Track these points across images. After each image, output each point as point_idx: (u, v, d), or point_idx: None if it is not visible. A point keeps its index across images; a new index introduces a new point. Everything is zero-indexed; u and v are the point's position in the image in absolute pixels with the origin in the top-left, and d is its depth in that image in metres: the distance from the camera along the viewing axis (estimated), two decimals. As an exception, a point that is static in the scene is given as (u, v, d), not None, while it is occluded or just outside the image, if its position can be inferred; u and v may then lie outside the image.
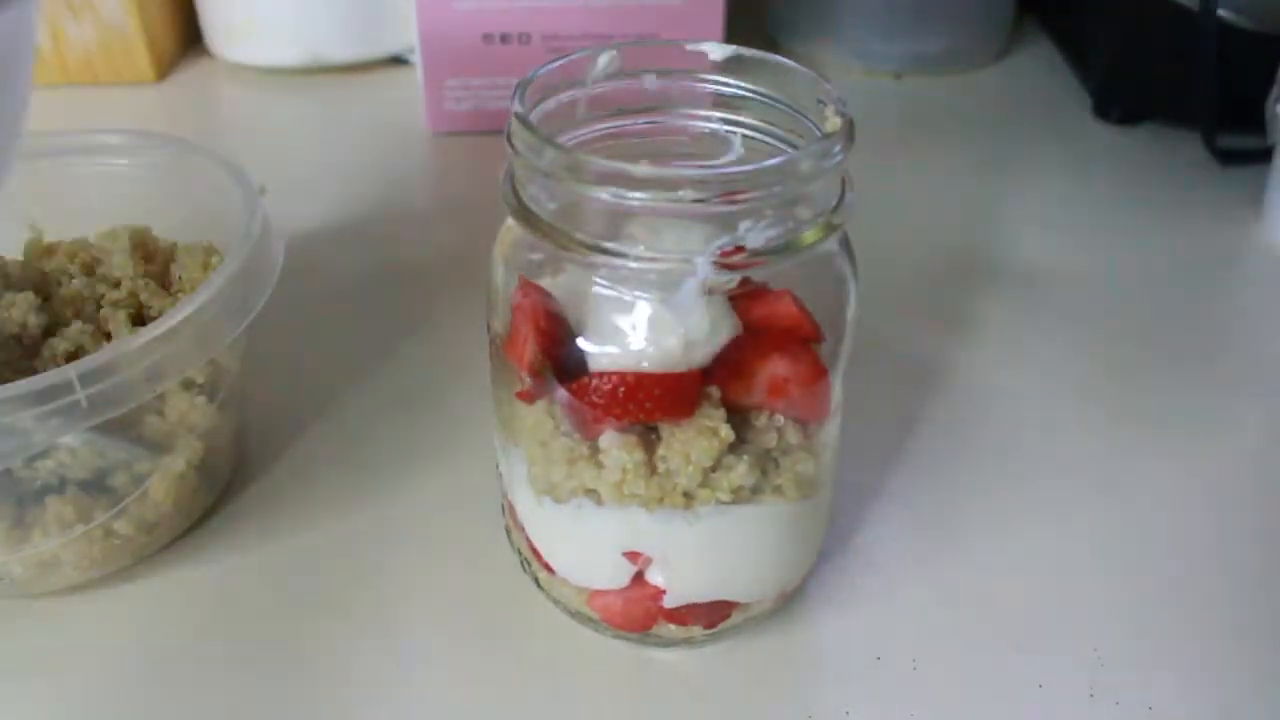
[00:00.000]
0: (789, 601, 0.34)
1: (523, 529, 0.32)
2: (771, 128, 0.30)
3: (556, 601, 0.33)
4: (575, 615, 0.33)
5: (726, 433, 0.27)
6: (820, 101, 0.28)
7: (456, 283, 0.50)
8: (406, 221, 0.55)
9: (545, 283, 0.28)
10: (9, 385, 0.28)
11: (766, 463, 0.29)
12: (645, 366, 0.27)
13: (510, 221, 0.29)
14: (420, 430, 0.41)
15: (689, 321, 0.27)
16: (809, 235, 0.27)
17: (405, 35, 0.69)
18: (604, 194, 0.25)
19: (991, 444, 0.41)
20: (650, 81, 0.30)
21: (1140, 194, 0.58)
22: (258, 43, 0.69)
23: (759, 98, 0.30)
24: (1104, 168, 0.61)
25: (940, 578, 0.35)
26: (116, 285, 0.38)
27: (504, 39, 0.60)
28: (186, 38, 0.73)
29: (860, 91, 0.69)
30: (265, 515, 0.37)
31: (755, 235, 0.26)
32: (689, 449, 0.27)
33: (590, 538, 0.30)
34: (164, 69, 0.70)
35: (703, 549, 0.30)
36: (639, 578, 0.30)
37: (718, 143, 0.30)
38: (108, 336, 0.37)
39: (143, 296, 0.37)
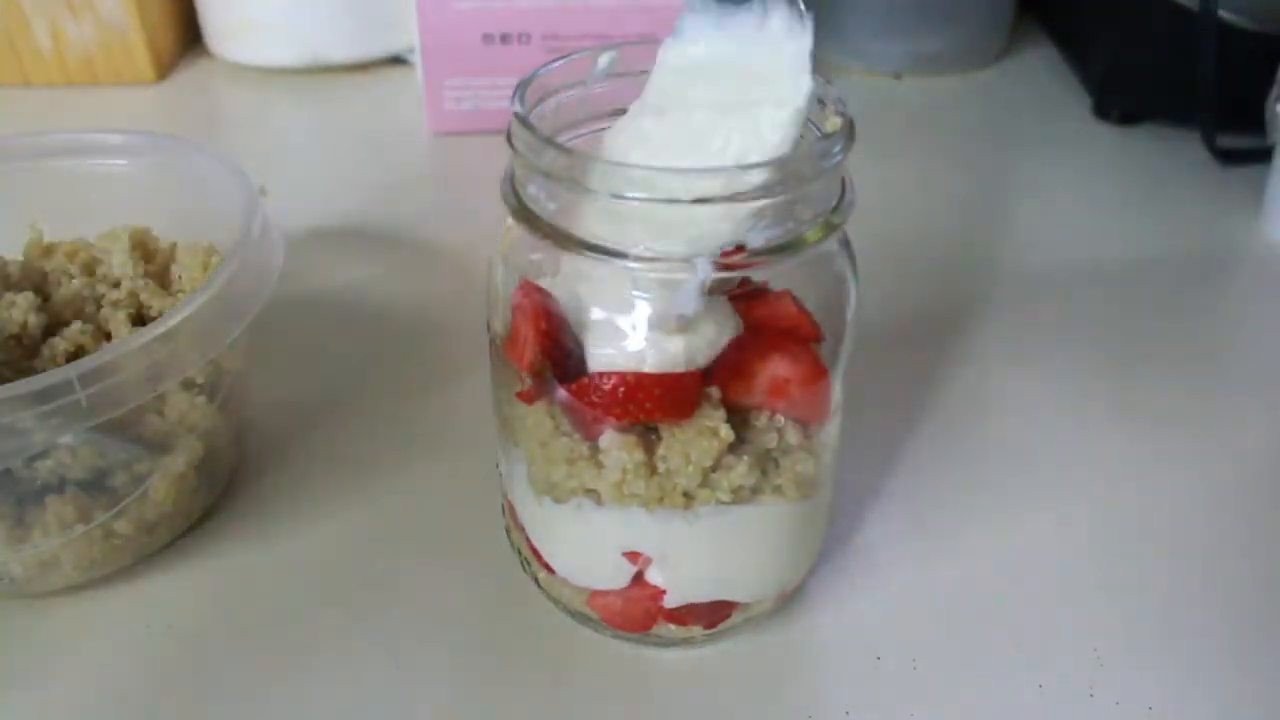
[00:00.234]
0: (789, 601, 0.34)
1: (523, 529, 0.32)
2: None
3: (556, 601, 0.33)
4: (575, 615, 0.33)
5: (726, 433, 0.27)
6: (820, 101, 0.28)
7: (456, 282, 0.50)
8: (406, 221, 0.55)
9: (545, 282, 0.28)
10: (9, 385, 0.28)
11: (766, 463, 0.29)
12: (645, 366, 0.27)
13: (510, 221, 0.29)
14: (420, 430, 0.41)
15: (691, 322, 0.27)
16: (809, 235, 0.27)
17: (405, 35, 0.69)
18: (604, 194, 0.25)
19: (991, 444, 0.41)
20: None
21: (1140, 194, 0.59)
22: (258, 43, 0.69)
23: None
24: (1104, 168, 0.61)
25: (940, 578, 0.35)
26: (116, 285, 0.38)
27: (504, 39, 0.60)
28: (186, 38, 0.73)
29: (860, 91, 0.69)
30: (265, 515, 0.37)
31: (755, 235, 0.26)
32: (689, 449, 0.27)
33: (590, 538, 0.30)
34: (164, 69, 0.70)
35: (702, 549, 0.30)
36: (639, 578, 0.30)
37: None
38: (108, 336, 0.37)
39: (143, 296, 0.37)
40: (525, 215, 0.27)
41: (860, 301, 0.30)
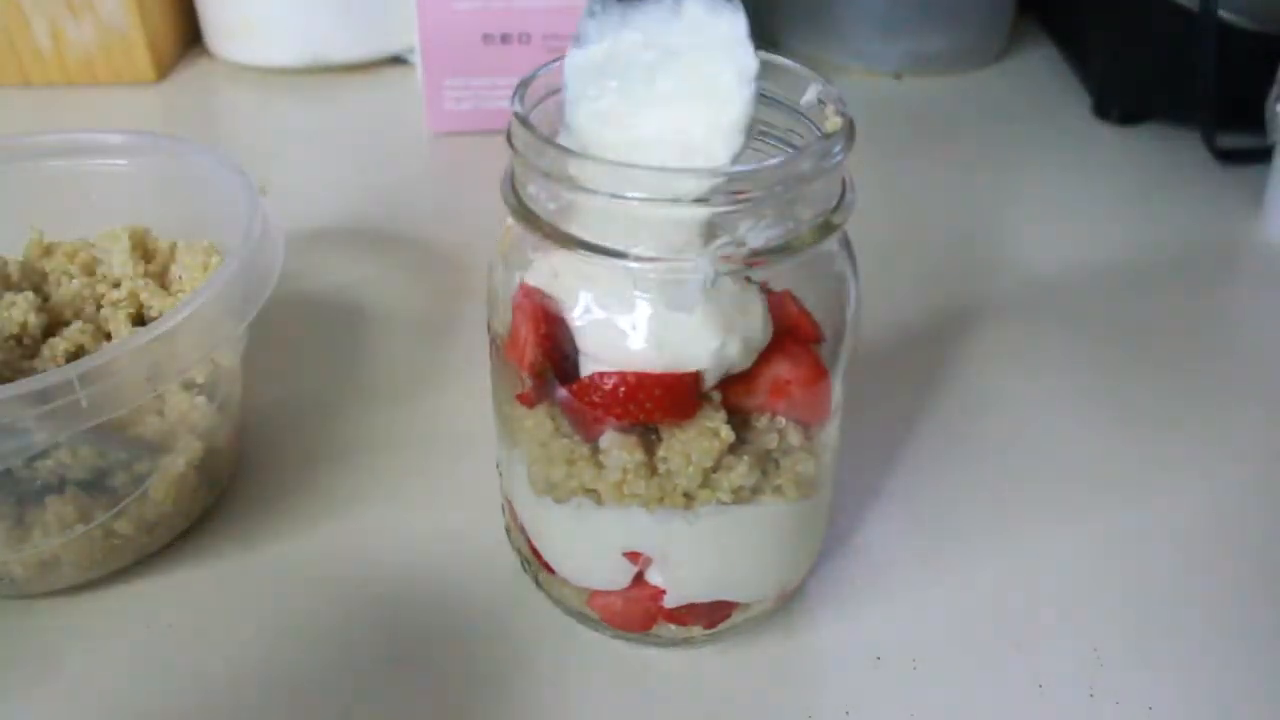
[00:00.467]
0: (789, 601, 0.34)
1: (523, 529, 0.32)
2: (771, 128, 0.30)
3: (557, 601, 0.33)
4: (575, 615, 0.33)
5: (727, 434, 0.27)
6: (820, 101, 0.28)
7: (456, 283, 0.50)
8: (406, 221, 0.55)
9: (546, 283, 0.28)
10: (9, 385, 0.28)
11: (767, 463, 0.29)
12: (645, 367, 0.27)
13: (510, 221, 0.29)
14: (420, 430, 0.41)
15: (741, 323, 0.26)
16: (809, 235, 0.27)
17: (405, 35, 0.69)
18: (604, 194, 0.25)
19: (991, 444, 0.41)
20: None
21: (1140, 194, 0.59)
22: (258, 43, 0.69)
23: (759, 97, 0.30)
24: (1104, 168, 0.61)
25: (940, 577, 0.35)
26: (116, 285, 0.38)
27: (504, 39, 0.60)
28: (186, 38, 0.73)
29: (860, 91, 0.69)
30: (265, 515, 0.37)
31: (756, 235, 0.26)
32: (689, 450, 0.27)
33: (590, 538, 0.30)
34: (164, 69, 0.70)
35: (703, 549, 0.30)
36: (639, 578, 0.30)
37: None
38: (108, 336, 0.37)
39: (143, 296, 0.37)
40: (525, 215, 0.27)
41: (860, 301, 0.30)
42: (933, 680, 0.32)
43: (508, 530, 0.34)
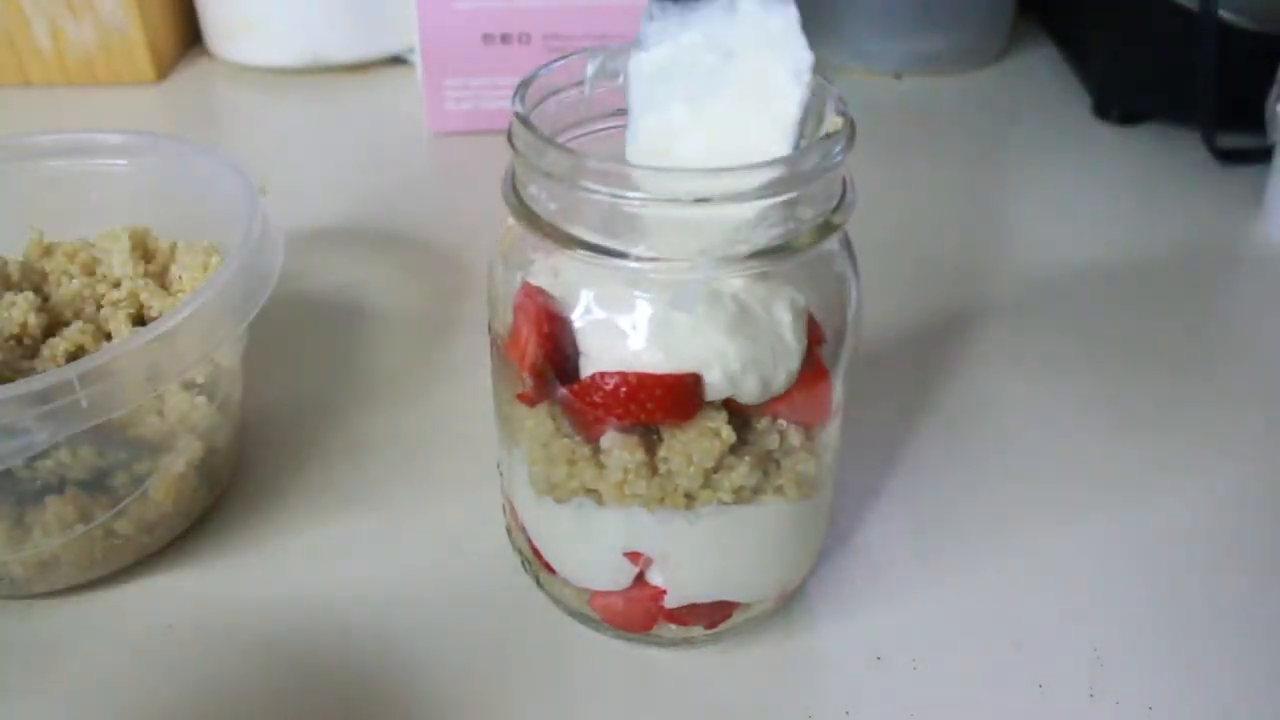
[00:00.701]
0: (789, 601, 0.34)
1: (523, 529, 0.32)
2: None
3: (557, 602, 0.33)
4: (576, 615, 0.33)
5: (728, 434, 0.27)
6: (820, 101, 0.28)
7: (456, 282, 0.50)
8: (406, 221, 0.55)
9: (546, 283, 0.28)
10: (9, 385, 0.28)
11: (768, 463, 0.29)
12: (647, 367, 0.27)
13: (511, 221, 0.29)
14: (420, 430, 0.41)
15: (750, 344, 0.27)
16: (810, 235, 0.27)
17: (405, 35, 0.69)
18: (605, 194, 0.25)
19: (991, 444, 0.41)
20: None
21: (1140, 194, 0.59)
22: (258, 43, 0.69)
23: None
24: (1104, 168, 0.61)
25: (940, 577, 0.35)
26: (116, 285, 0.38)
27: (504, 39, 0.60)
28: (186, 38, 0.73)
29: (860, 91, 0.69)
30: (265, 515, 0.37)
31: (757, 235, 0.26)
32: (691, 450, 0.27)
33: (591, 538, 0.30)
34: (164, 69, 0.70)
35: (703, 549, 0.30)
36: (640, 578, 0.30)
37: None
38: (108, 336, 0.37)
39: (143, 296, 0.37)
40: (526, 215, 0.27)
41: (861, 301, 0.30)
42: (933, 680, 0.32)
43: (508, 530, 0.34)
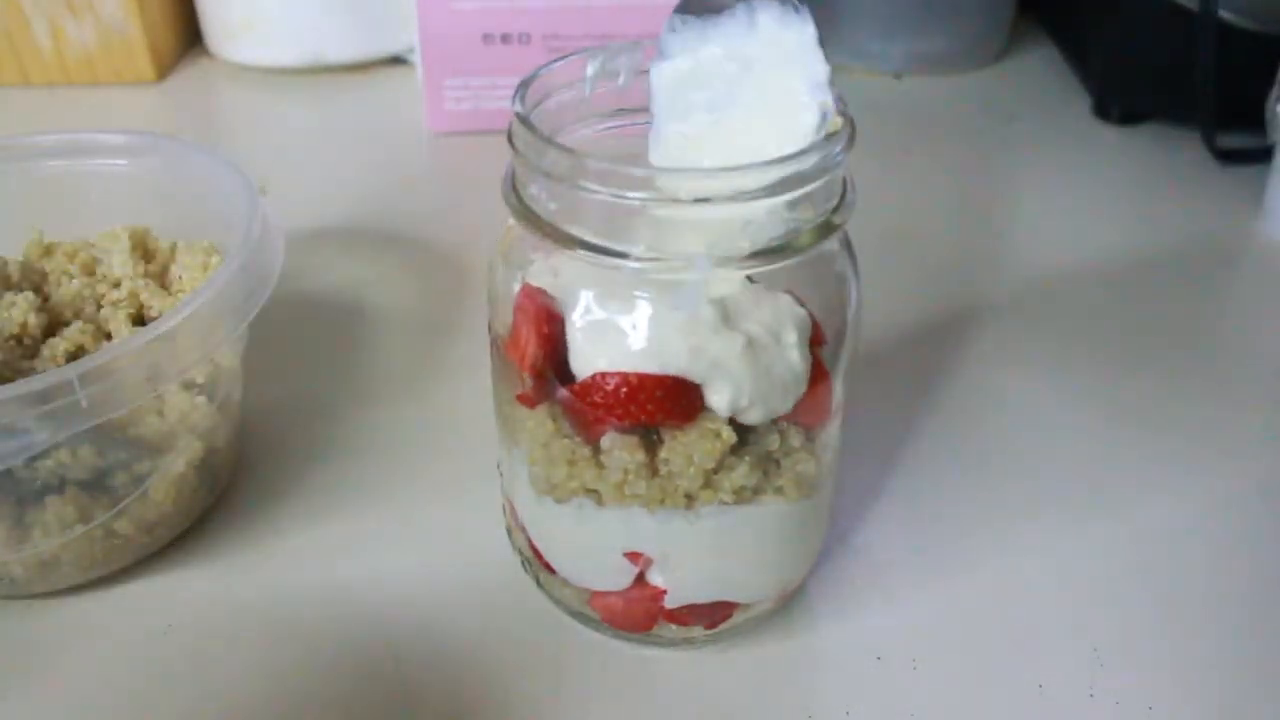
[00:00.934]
0: (789, 601, 0.34)
1: (523, 529, 0.32)
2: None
3: (557, 602, 0.33)
4: (576, 616, 0.33)
5: (728, 435, 0.27)
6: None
7: (456, 282, 0.50)
8: (407, 221, 0.55)
9: (546, 283, 0.28)
10: (9, 385, 0.28)
11: (768, 464, 0.29)
12: (647, 368, 0.27)
13: (511, 221, 0.29)
14: (420, 430, 0.41)
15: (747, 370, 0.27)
16: (810, 235, 0.27)
17: (405, 35, 0.69)
18: (605, 194, 0.25)
19: (991, 444, 0.41)
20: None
21: (1140, 194, 0.59)
22: (258, 43, 0.69)
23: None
24: (1104, 168, 0.61)
25: (940, 577, 0.35)
26: (116, 285, 0.38)
27: (504, 39, 0.60)
28: (186, 38, 0.73)
29: (860, 91, 0.69)
30: (265, 515, 0.37)
31: (757, 235, 0.26)
32: (691, 451, 0.27)
33: (591, 538, 0.30)
34: (164, 69, 0.70)
35: (703, 549, 0.30)
36: (640, 578, 0.30)
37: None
38: (108, 336, 0.37)
39: (143, 296, 0.37)
40: (526, 215, 0.27)
41: (861, 301, 0.30)
42: (933, 680, 0.32)
43: (508, 530, 0.34)
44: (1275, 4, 0.57)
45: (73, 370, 0.29)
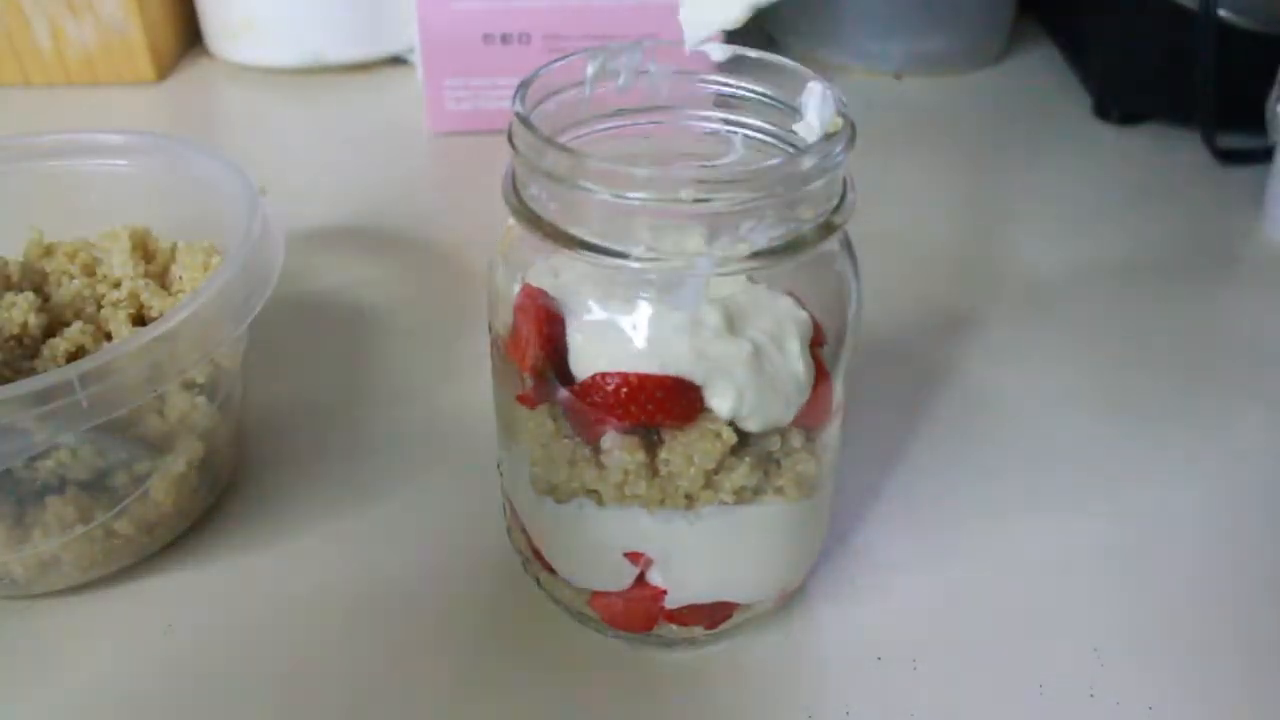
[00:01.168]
0: (790, 601, 0.34)
1: (524, 529, 0.32)
2: (772, 128, 0.30)
3: (558, 602, 0.33)
4: (576, 616, 0.33)
5: (729, 435, 0.27)
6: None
7: (456, 283, 0.50)
8: (407, 221, 0.55)
9: (547, 284, 0.28)
10: (9, 385, 0.28)
11: (768, 464, 0.29)
12: (647, 368, 0.27)
13: (511, 221, 0.29)
14: (420, 430, 0.41)
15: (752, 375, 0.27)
16: (810, 235, 0.27)
17: (405, 35, 0.69)
18: (605, 194, 0.25)
19: (992, 444, 0.41)
20: (651, 82, 0.30)
21: (1140, 194, 0.59)
22: (258, 43, 0.69)
23: (760, 98, 0.30)
24: (1104, 168, 0.61)
25: (940, 577, 0.35)
26: (116, 285, 0.38)
27: (504, 39, 0.60)
28: (186, 38, 0.73)
29: (860, 91, 0.69)
30: (265, 515, 0.37)
31: (757, 235, 0.26)
32: (692, 451, 0.27)
33: (591, 538, 0.30)
34: (164, 69, 0.70)
35: (704, 549, 0.30)
36: (640, 579, 0.30)
37: (719, 143, 0.30)
38: (108, 336, 0.37)
39: (143, 296, 0.37)
40: (526, 215, 0.27)
41: (861, 301, 0.30)
42: (933, 680, 0.32)
43: (508, 530, 0.34)
44: (1275, 4, 0.57)
45: (73, 370, 0.29)
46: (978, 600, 0.34)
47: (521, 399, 0.29)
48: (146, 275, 0.38)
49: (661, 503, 0.28)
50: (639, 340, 0.27)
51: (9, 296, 0.36)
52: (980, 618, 0.34)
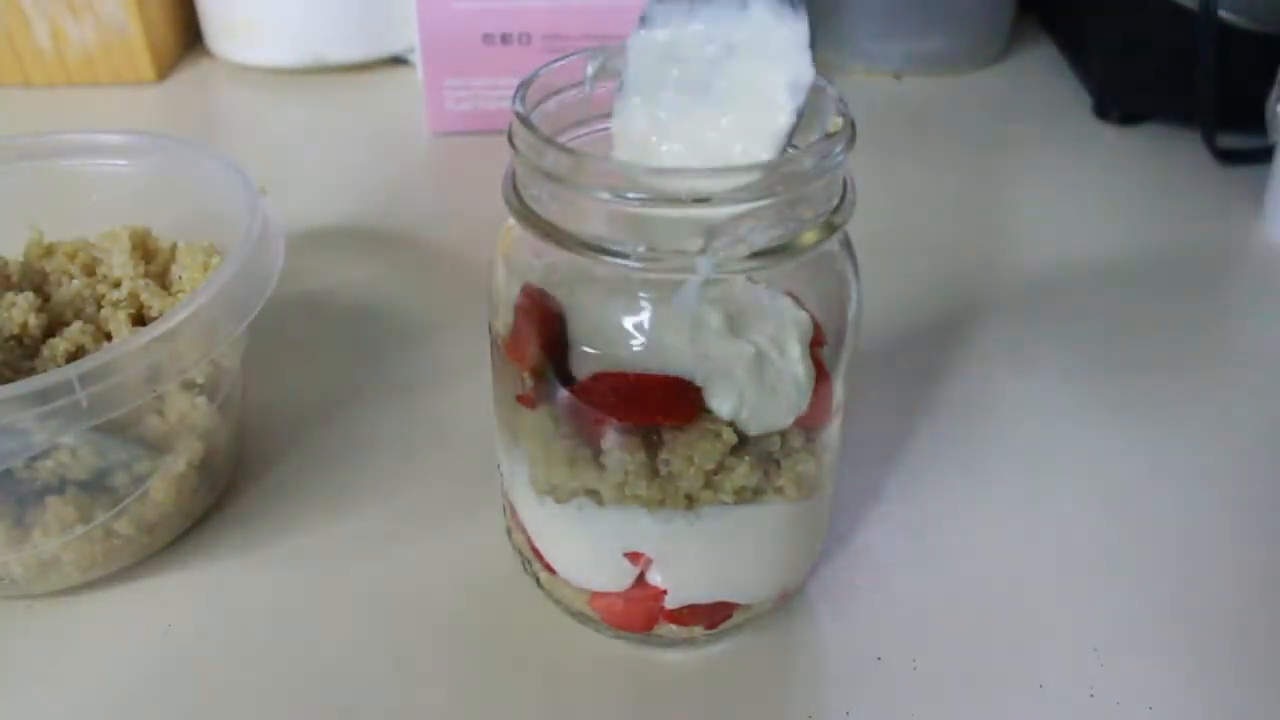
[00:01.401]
0: (790, 601, 0.34)
1: (524, 529, 0.32)
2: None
3: (558, 602, 0.33)
4: (576, 616, 0.33)
5: (729, 435, 0.27)
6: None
7: (456, 282, 0.50)
8: (407, 221, 0.55)
9: (547, 284, 0.28)
10: (9, 385, 0.28)
11: (768, 464, 0.29)
12: (647, 368, 0.27)
13: (512, 221, 0.29)
14: (420, 430, 0.41)
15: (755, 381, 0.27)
16: (810, 235, 0.27)
17: (405, 35, 0.69)
18: (605, 194, 0.25)
19: (991, 444, 0.41)
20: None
21: (1140, 194, 0.59)
22: (258, 43, 0.69)
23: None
24: (1104, 168, 0.61)
25: (940, 578, 0.35)
26: (116, 285, 0.38)
27: (504, 39, 0.60)
28: (186, 38, 0.73)
29: (860, 91, 0.69)
30: (265, 515, 0.37)
31: (757, 235, 0.26)
32: (692, 451, 0.27)
33: (591, 538, 0.30)
34: (164, 69, 0.70)
35: (704, 549, 0.30)
36: (640, 579, 0.30)
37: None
38: (108, 336, 0.37)
39: (143, 296, 0.37)
40: (527, 215, 0.27)
41: (861, 301, 0.30)
42: (933, 680, 0.32)
43: (508, 530, 0.34)
44: (1275, 4, 0.57)
45: (73, 370, 0.29)
46: (978, 600, 0.34)
47: (521, 399, 0.29)
48: (146, 275, 0.38)
49: (661, 503, 0.28)
50: (639, 340, 0.27)
51: (9, 296, 0.36)
52: (980, 618, 0.34)
